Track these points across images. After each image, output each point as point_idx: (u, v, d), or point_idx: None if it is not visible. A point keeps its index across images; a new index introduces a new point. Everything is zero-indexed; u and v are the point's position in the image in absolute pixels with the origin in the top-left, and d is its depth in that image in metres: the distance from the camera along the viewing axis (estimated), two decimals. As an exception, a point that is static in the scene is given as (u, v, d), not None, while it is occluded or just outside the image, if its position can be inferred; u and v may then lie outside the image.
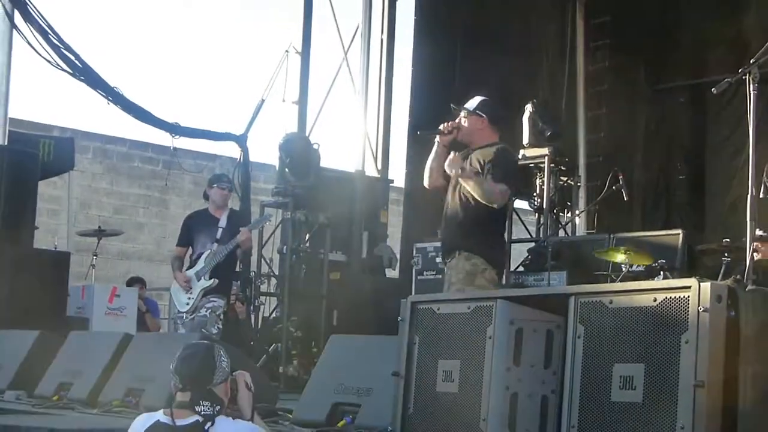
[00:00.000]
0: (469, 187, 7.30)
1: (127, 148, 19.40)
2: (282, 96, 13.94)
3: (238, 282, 11.85)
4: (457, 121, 7.59)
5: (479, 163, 7.43)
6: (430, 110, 13.90)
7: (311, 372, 6.99)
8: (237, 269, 11.04)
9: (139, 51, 27.59)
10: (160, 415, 4.21)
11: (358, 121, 13.74)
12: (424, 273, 11.65)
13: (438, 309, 4.93)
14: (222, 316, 9.75)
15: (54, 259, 10.84)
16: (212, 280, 9.65)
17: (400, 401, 4.97)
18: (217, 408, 4.18)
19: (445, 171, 7.49)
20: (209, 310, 9.65)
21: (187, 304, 9.73)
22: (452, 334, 4.77)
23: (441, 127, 7.57)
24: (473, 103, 7.63)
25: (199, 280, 9.70)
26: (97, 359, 7.44)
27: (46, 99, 26.73)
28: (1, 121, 10.89)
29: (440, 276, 11.49)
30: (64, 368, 7.70)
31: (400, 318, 5.09)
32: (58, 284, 10.41)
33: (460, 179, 7.32)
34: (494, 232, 7.66)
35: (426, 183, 7.83)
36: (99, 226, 14.41)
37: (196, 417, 4.14)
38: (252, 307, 11.94)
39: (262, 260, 12.19)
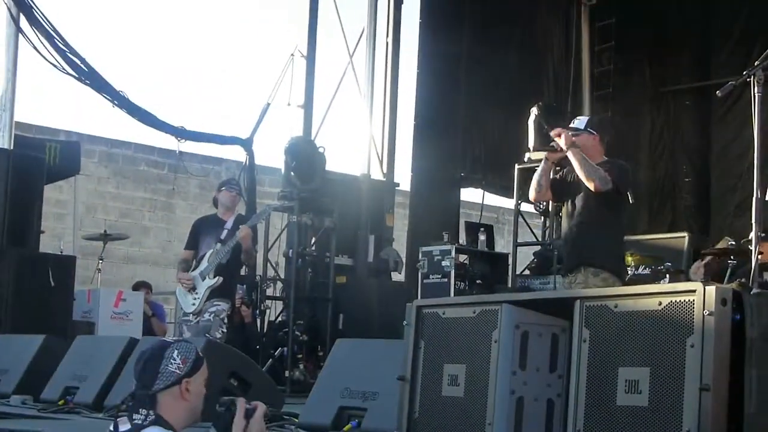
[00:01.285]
0: (576, 164, 7.32)
1: (133, 152, 19.40)
2: (287, 100, 13.98)
3: (244, 286, 11.86)
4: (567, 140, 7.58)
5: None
6: (436, 113, 13.95)
7: (317, 376, 7.00)
8: (243, 273, 11.05)
9: (144, 55, 27.63)
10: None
11: (364, 124, 13.75)
12: (430, 276, 11.66)
13: (443, 313, 4.92)
14: (226, 320, 9.71)
15: (60, 263, 10.84)
16: (216, 278, 9.63)
17: (406, 405, 4.96)
18: (151, 417, 3.85)
19: (552, 185, 7.63)
20: (212, 315, 9.56)
21: (193, 304, 9.71)
22: (458, 338, 4.76)
23: (554, 143, 7.56)
24: (582, 121, 7.73)
25: (203, 280, 9.70)
26: (103, 364, 7.45)
27: (52, 103, 26.75)
28: (7, 125, 10.91)
29: (446, 279, 11.55)
30: (69, 373, 7.71)
31: (405, 322, 5.09)
32: (63, 288, 10.40)
33: (568, 153, 7.35)
34: (618, 242, 7.66)
35: (533, 196, 7.87)
36: (105, 230, 14.42)
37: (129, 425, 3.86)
38: (258, 311, 11.94)
39: (268, 264, 12.19)
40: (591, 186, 7.29)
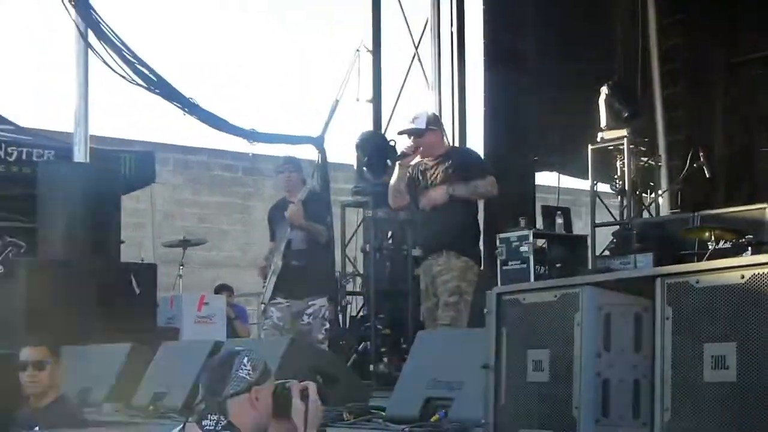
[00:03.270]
0: (467, 196, 8.01)
1: (207, 158, 19.59)
2: (356, 95, 13.99)
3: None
4: (412, 143, 8.12)
5: (459, 168, 8.04)
6: (506, 98, 13.88)
7: (401, 368, 7.02)
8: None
9: (212, 59, 27.83)
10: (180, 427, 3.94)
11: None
12: (509, 263, 11.62)
13: (524, 299, 4.90)
14: (327, 316, 9.48)
15: (142, 271, 10.96)
16: (277, 264, 9.27)
17: (492, 393, 4.95)
18: (222, 423, 3.80)
19: (408, 190, 8.24)
20: (310, 316, 9.27)
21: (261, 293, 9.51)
22: (540, 323, 4.74)
23: (404, 149, 8.19)
24: (421, 119, 8.14)
25: (271, 268, 9.37)
26: (190, 368, 7.52)
27: (124, 114, 27.07)
28: (83, 140, 11.00)
29: (525, 265, 11.50)
30: (157, 379, 7.82)
31: (486, 310, 5.09)
32: (147, 296, 10.52)
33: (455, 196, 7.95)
34: (475, 228, 8.42)
35: (392, 204, 8.49)
36: (183, 237, 14.57)
37: None
38: (339, 307, 11.99)
39: (347, 259, 12.23)
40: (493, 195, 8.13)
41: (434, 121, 8.17)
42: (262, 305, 9.56)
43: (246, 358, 3.92)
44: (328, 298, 9.60)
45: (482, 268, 8.32)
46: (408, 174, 8.20)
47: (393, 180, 8.23)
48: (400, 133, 8.25)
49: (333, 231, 10.08)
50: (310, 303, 9.30)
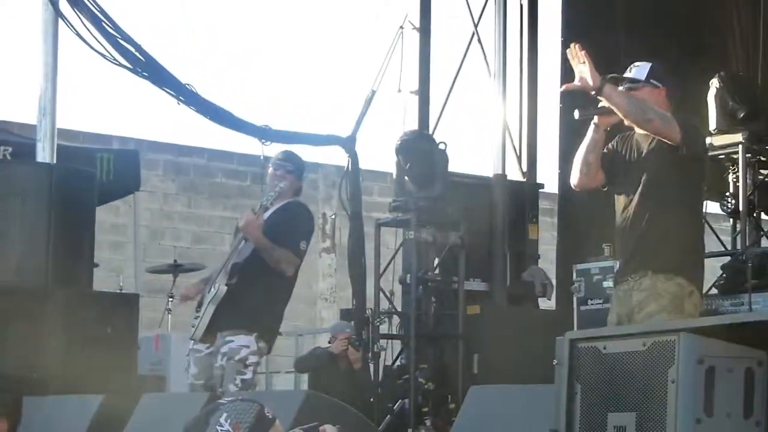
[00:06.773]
0: (618, 105, 7.20)
1: (206, 161, 19.68)
2: (397, 85, 14.01)
3: (351, 323, 11.91)
4: None
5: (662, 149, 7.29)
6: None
7: (448, 434, 7.03)
8: (352, 305, 11.04)
9: (215, 39, 28.00)
10: None
11: (496, 111, 13.73)
12: (588, 302, 11.59)
13: (605, 347, 4.91)
14: (249, 364, 8.85)
15: (119, 303, 11.00)
16: (219, 287, 8.84)
17: (562, 468, 4.96)
18: None
19: (603, 163, 7.47)
20: (225, 357, 8.80)
21: (193, 326, 9.17)
22: (624, 379, 4.75)
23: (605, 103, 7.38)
24: (642, 70, 7.54)
25: (208, 292, 8.99)
26: (179, 427, 7.53)
27: (101, 104, 27.21)
28: (48, 134, 11.00)
29: (609, 305, 11.47)
30: (137, 440, 7.83)
31: (555, 361, 5.09)
32: (125, 335, 10.55)
33: (604, 95, 7.21)
34: (696, 243, 7.56)
35: (576, 181, 7.64)
36: (174, 260, 14.68)
37: None
38: (370, 354, 11.99)
39: (380, 294, 12.24)
40: (650, 128, 7.18)
41: (660, 76, 7.53)
42: (191, 342, 9.14)
43: (224, 415, 3.93)
44: (257, 336, 8.89)
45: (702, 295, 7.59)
46: (608, 143, 7.51)
47: (581, 148, 7.50)
48: (605, 82, 7.35)
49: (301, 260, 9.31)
50: (227, 339, 8.83)
